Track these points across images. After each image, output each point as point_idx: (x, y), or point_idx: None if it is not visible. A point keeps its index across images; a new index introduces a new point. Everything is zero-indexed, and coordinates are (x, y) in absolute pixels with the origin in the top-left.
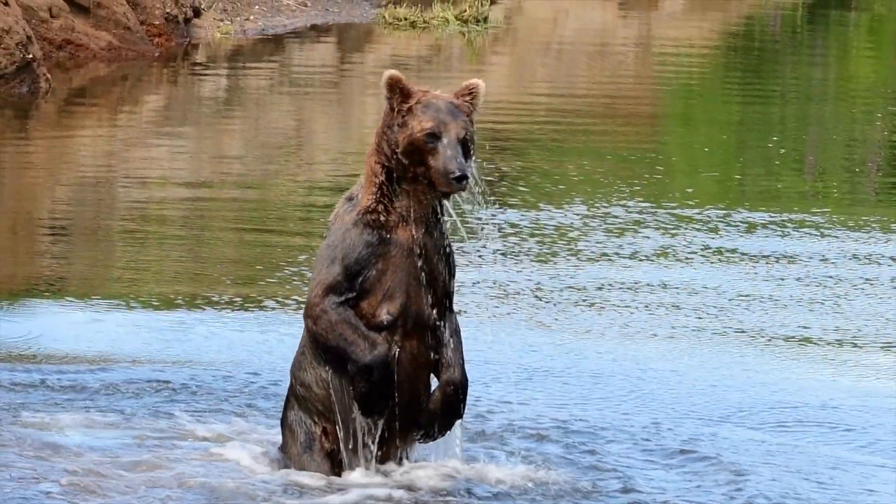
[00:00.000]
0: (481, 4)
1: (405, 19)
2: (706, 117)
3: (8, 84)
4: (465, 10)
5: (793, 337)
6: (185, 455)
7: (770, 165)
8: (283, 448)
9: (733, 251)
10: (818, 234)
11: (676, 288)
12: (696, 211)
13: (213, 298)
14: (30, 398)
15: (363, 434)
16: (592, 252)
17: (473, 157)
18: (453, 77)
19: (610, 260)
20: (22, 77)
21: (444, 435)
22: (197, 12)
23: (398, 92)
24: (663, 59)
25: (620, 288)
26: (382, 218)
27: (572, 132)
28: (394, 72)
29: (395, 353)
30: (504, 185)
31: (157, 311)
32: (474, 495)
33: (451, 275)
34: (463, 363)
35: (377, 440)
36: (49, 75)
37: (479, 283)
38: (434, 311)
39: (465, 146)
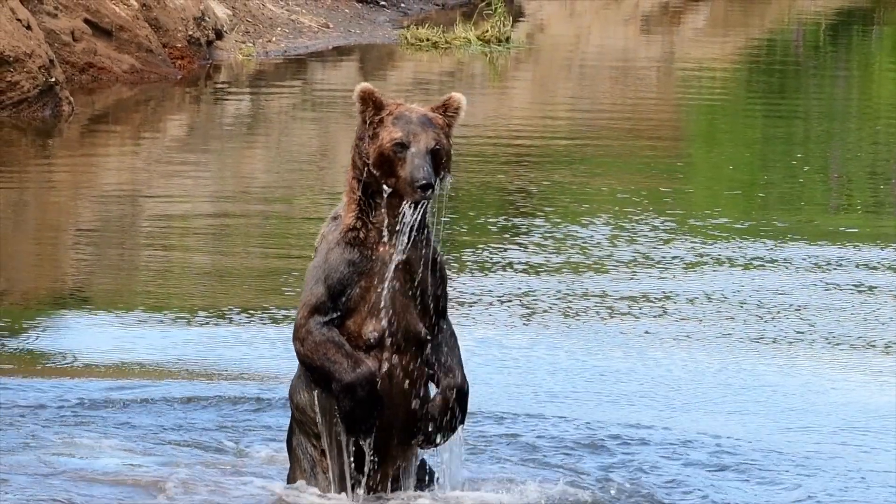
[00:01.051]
0: (503, 25)
1: (427, 40)
2: (729, 135)
3: (31, 107)
4: (487, 31)
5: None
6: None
7: (794, 182)
8: (290, 475)
9: (765, 261)
10: (847, 243)
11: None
12: (723, 225)
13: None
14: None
15: (350, 455)
16: (620, 266)
17: (446, 170)
18: (476, 97)
19: (636, 273)
20: (45, 100)
21: (446, 440)
22: (219, 35)
23: (371, 104)
24: (686, 78)
25: (648, 300)
26: (362, 235)
27: (595, 151)
28: (366, 84)
29: (380, 371)
30: (528, 203)
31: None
32: None
33: (443, 284)
34: (461, 366)
35: (370, 460)
36: (72, 98)
37: (504, 297)
38: (425, 325)
39: (437, 157)
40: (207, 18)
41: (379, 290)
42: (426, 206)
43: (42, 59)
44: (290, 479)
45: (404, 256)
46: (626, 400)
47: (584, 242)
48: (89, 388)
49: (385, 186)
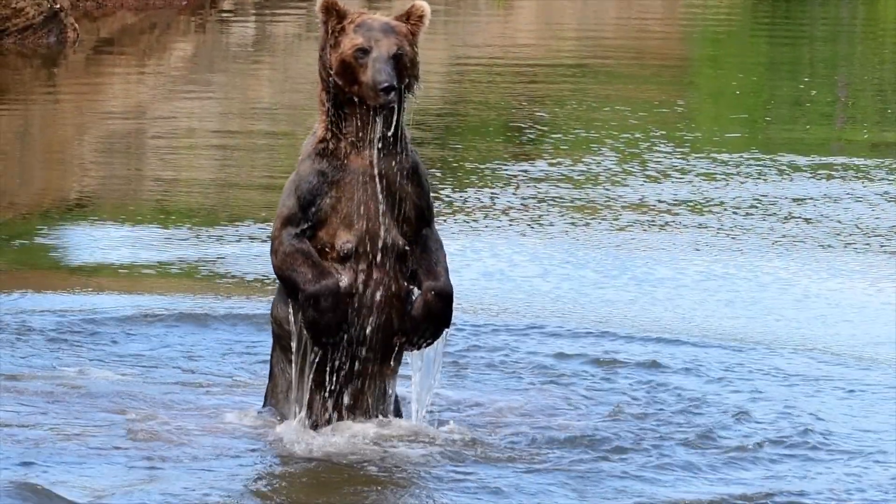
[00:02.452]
0: None
1: None
2: (735, 60)
3: (36, 34)
4: None
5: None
6: None
7: (801, 108)
8: (266, 392)
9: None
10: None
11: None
12: (729, 155)
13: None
14: None
15: (311, 368)
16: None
17: (412, 76)
18: (481, 20)
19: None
20: (49, 27)
21: (430, 343)
22: None
23: (334, 14)
24: (691, 2)
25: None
26: (332, 145)
27: (601, 77)
28: None
29: (355, 282)
30: (534, 132)
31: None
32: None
33: (424, 194)
34: (447, 271)
35: (345, 372)
36: (77, 25)
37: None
38: (405, 236)
39: (399, 62)
40: None
41: (352, 201)
42: (398, 114)
43: None
44: (266, 397)
45: (377, 169)
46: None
47: (589, 173)
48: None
49: (350, 95)
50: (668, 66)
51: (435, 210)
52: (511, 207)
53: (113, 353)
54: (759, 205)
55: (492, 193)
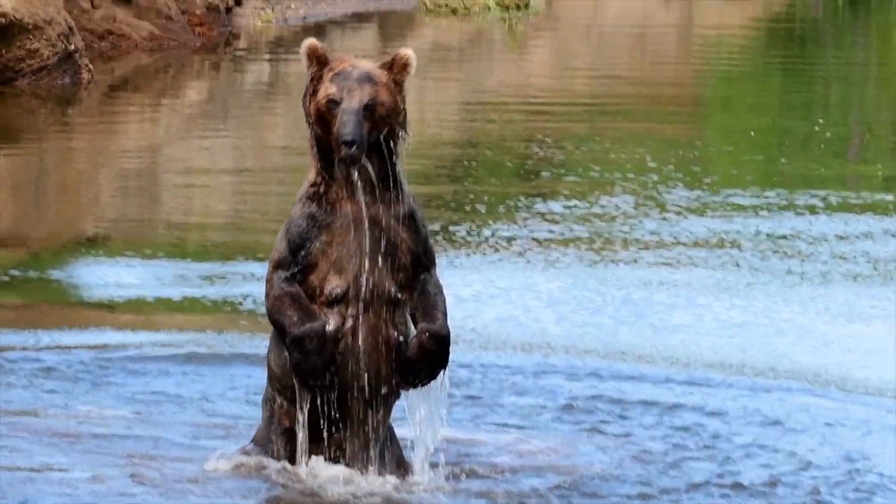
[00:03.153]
0: None
1: (446, 6)
2: (749, 101)
3: (50, 75)
4: None
5: None
6: None
7: (815, 149)
8: (256, 433)
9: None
10: (864, 214)
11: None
12: (744, 194)
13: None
14: None
15: (309, 408)
16: (646, 238)
17: (392, 125)
18: (495, 62)
19: (664, 245)
20: (64, 68)
21: (426, 384)
22: (238, 1)
23: (315, 61)
24: (705, 43)
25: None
26: (322, 189)
27: (615, 117)
28: (312, 40)
29: (343, 327)
30: (548, 171)
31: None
32: None
33: (420, 240)
34: (443, 314)
35: (337, 417)
36: (91, 66)
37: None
38: (398, 283)
39: (373, 112)
40: None
41: (342, 246)
42: (390, 159)
43: (61, 26)
44: (255, 437)
45: (367, 214)
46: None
47: (604, 210)
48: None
49: (329, 143)
50: (682, 106)
51: (436, 255)
52: (527, 249)
53: (125, 392)
54: (776, 244)
55: (506, 233)
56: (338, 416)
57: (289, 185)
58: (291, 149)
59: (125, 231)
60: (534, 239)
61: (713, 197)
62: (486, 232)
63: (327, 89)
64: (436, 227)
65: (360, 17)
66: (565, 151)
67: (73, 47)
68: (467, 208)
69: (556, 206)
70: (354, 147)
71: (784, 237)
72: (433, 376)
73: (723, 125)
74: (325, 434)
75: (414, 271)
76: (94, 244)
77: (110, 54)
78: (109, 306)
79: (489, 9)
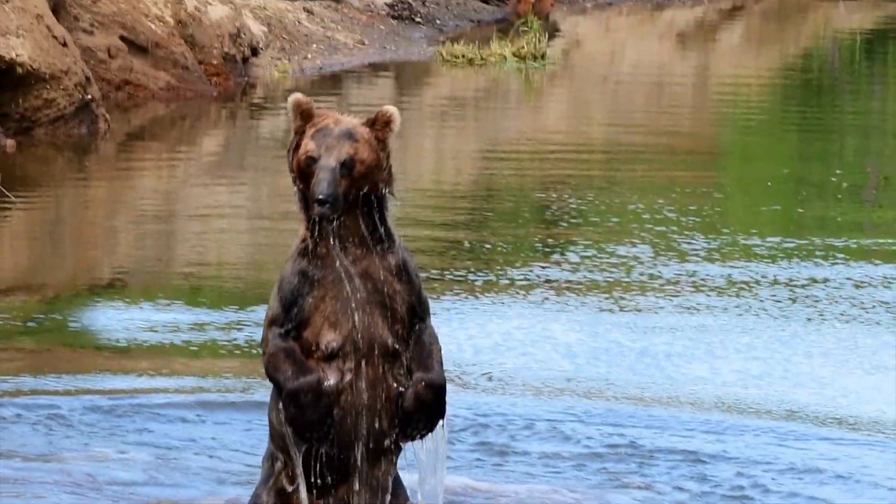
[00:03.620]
0: (539, 41)
1: (462, 56)
2: (765, 150)
3: (67, 124)
4: (523, 47)
5: None
6: None
7: (832, 198)
8: (255, 489)
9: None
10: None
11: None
12: (762, 242)
13: None
14: None
15: (309, 467)
16: (659, 281)
17: (374, 182)
18: (511, 113)
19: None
20: (81, 117)
21: (423, 435)
22: (255, 51)
23: (299, 116)
24: (721, 93)
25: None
26: (310, 245)
27: (632, 165)
28: (299, 95)
29: (341, 382)
30: (565, 220)
31: None
32: None
33: (414, 290)
34: (439, 363)
35: (338, 474)
36: (108, 115)
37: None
38: (394, 335)
39: (352, 170)
40: (243, 35)
41: (336, 301)
42: (377, 213)
43: (78, 76)
44: (255, 492)
45: (357, 269)
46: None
47: (621, 259)
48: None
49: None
50: (699, 155)
51: (430, 305)
52: (545, 298)
53: (142, 438)
54: (794, 293)
55: (524, 281)
56: (339, 471)
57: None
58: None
59: (141, 278)
60: (551, 287)
61: (731, 245)
62: (504, 280)
63: (307, 145)
64: (453, 275)
65: (376, 68)
66: (582, 200)
67: (89, 97)
68: (484, 257)
69: (573, 256)
70: (327, 206)
71: (802, 285)
72: (431, 427)
73: (740, 174)
74: (326, 491)
75: (410, 322)
76: (110, 291)
77: (127, 104)
78: (126, 352)
79: (505, 59)
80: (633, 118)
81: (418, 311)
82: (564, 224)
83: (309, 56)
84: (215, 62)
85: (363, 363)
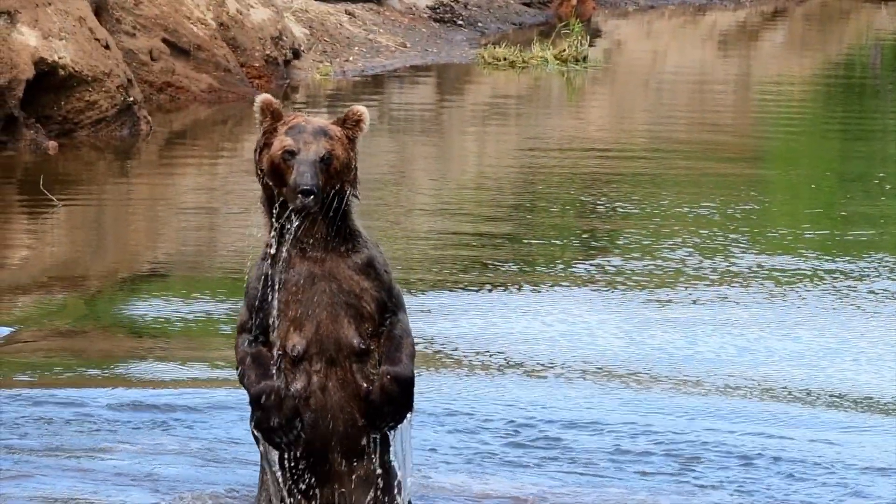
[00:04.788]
0: (581, 44)
1: (504, 59)
2: (808, 153)
3: (109, 127)
4: (565, 50)
5: None
6: None
7: (876, 200)
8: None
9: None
10: None
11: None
12: (806, 246)
13: None
14: None
15: (290, 471)
16: (701, 284)
17: (345, 181)
18: (553, 115)
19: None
20: (123, 120)
21: (392, 427)
22: (297, 54)
23: (269, 115)
24: (763, 95)
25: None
26: (273, 249)
27: (674, 167)
28: (266, 96)
29: (310, 385)
30: (608, 224)
31: None
32: None
33: (383, 286)
34: (408, 356)
35: (319, 476)
36: (150, 118)
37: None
38: (362, 334)
39: (328, 166)
40: (285, 38)
41: (299, 303)
42: (341, 212)
43: (120, 78)
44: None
45: (322, 270)
46: None
47: (665, 258)
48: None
49: (282, 197)
50: (742, 157)
51: (402, 296)
52: (588, 300)
53: (188, 434)
54: (840, 295)
55: (566, 287)
56: (320, 472)
57: None
58: None
59: (183, 277)
60: (593, 290)
61: (774, 248)
62: (547, 282)
63: (283, 141)
64: (497, 280)
65: (418, 70)
66: (624, 202)
67: (131, 99)
68: (527, 259)
69: (615, 259)
70: (311, 197)
71: (847, 290)
72: (399, 419)
73: (783, 177)
74: (310, 493)
75: (381, 318)
76: (152, 286)
77: (169, 107)
78: (167, 343)
79: (547, 62)
80: (675, 120)
81: (389, 306)
82: (607, 224)
83: (350, 58)
84: (257, 65)
85: (331, 365)
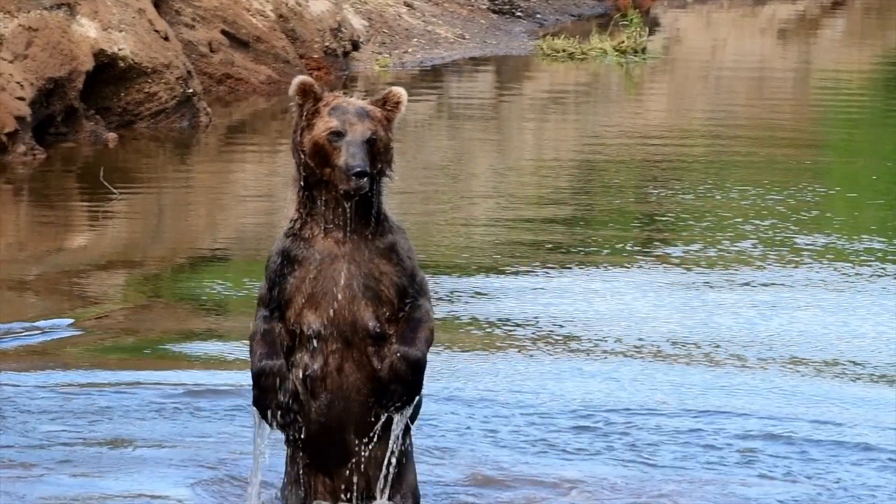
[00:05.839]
0: (639, 35)
1: (563, 51)
2: (867, 145)
3: (168, 118)
4: (624, 41)
5: None
6: None
7: None
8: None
9: None
10: None
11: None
12: (867, 237)
13: None
14: None
15: (306, 450)
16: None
17: (385, 162)
18: (612, 106)
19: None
20: (182, 111)
21: (400, 407)
22: (356, 46)
23: (311, 96)
24: (822, 87)
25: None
26: (298, 226)
27: (733, 160)
28: (304, 77)
29: (326, 366)
30: (665, 213)
31: None
32: None
33: (405, 272)
34: (422, 340)
35: (335, 457)
36: (209, 109)
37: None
38: (380, 318)
39: (373, 147)
40: (344, 30)
41: (317, 283)
42: (375, 197)
43: (180, 70)
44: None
45: (343, 250)
46: None
47: (724, 252)
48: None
49: (322, 177)
50: (802, 148)
51: (427, 283)
52: (647, 291)
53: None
54: None
55: (626, 276)
56: (334, 452)
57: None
58: (402, 188)
59: (243, 264)
60: (652, 281)
61: (835, 240)
62: (606, 275)
63: (327, 122)
64: (556, 270)
65: (476, 62)
66: (683, 193)
67: (191, 91)
68: (584, 251)
69: (675, 250)
70: (365, 178)
71: None
72: (408, 400)
73: (844, 168)
74: (326, 471)
75: (401, 303)
76: (213, 270)
77: (228, 98)
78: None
79: (605, 53)
80: (735, 111)
81: (410, 292)
82: (664, 217)
83: (409, 50)
84: (316, 56)
85: (347, 346)
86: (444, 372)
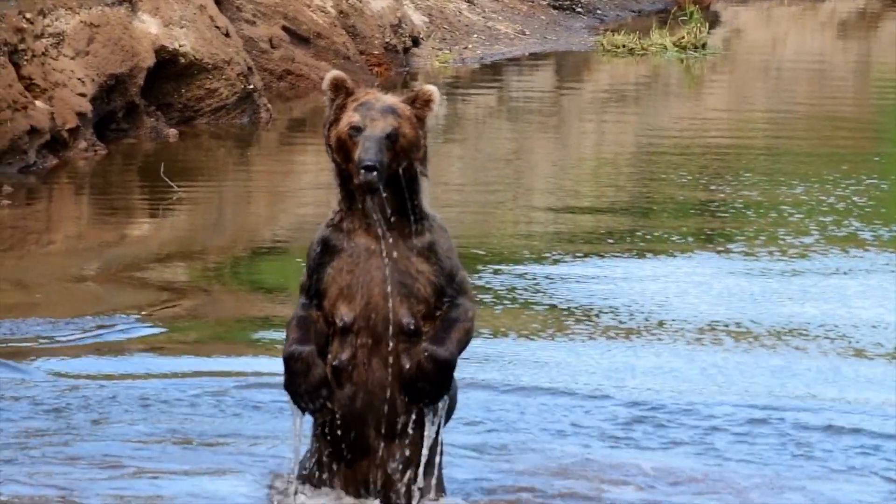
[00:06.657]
0: (700, 31)
1: (623, 46)
2: None
3: (229, 114)
4: (684, 37)
5: None
6: None
7: None
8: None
9: None
10: None
11: None
12: None
13: None
14: None
15: (330, 441)
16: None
17: (412, 159)
18: (672, 101)
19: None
20: (243, 107)
21: (428, 404)
22: (416, 42)
23: (342, 91)
24: (884, 80)
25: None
26: (338, 218)
27: (795, 155)
28: (336, 72)
29: (356, 357)
30: (726, 209)
31: None
32: None
33: (443, 272)
34: (455, 340)
35: (360, 448)
36: (269, 105)
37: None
38: (415, 315)
39: (395, 143)
40: (404, 26)
41: (352, 275)
42: (409, 192)
43: (240, 66)
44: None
45: (381, 245)
46: None
47: (784, 245)
48: None
49: (348, 172)
50: (862, 144)
51: (468, 282)
52: (708, 285)
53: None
54: None
55: (685, 269)
56: (358, 445)
57: (457, 214)
58: (464, 185)
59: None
60: (715, 274)
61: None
62: (667, 267)
63: (350, 117)
64: (613, 263)
65: (536, 57)
66: (744, 188)
67: (251, 87)
68: (643, 244)
69: (735, 246)
70: (374, 173)
71: None
72: (435, 399)
73: None
74: (348, 463)
75: (438, 301)
76: (272, 259)
77: (289, 94)
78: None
79: (666, 49)
80: (795, 106)
81: (448, 292)
82: (725, 213)
83: (469, 46)
84: (377, 52)
85: (377, 341)
86: (505, 359)
